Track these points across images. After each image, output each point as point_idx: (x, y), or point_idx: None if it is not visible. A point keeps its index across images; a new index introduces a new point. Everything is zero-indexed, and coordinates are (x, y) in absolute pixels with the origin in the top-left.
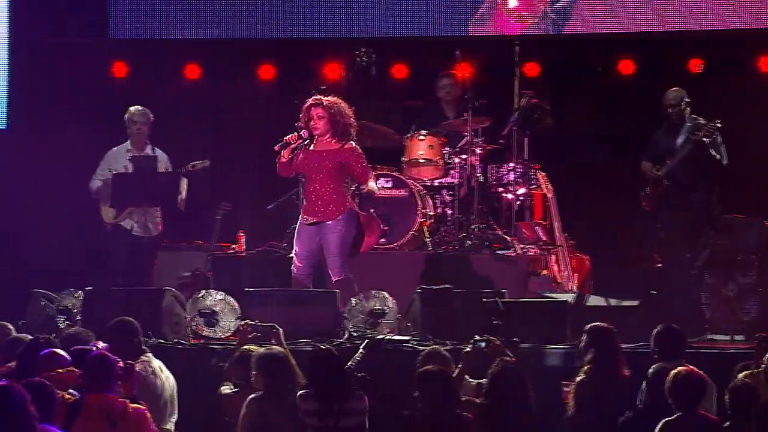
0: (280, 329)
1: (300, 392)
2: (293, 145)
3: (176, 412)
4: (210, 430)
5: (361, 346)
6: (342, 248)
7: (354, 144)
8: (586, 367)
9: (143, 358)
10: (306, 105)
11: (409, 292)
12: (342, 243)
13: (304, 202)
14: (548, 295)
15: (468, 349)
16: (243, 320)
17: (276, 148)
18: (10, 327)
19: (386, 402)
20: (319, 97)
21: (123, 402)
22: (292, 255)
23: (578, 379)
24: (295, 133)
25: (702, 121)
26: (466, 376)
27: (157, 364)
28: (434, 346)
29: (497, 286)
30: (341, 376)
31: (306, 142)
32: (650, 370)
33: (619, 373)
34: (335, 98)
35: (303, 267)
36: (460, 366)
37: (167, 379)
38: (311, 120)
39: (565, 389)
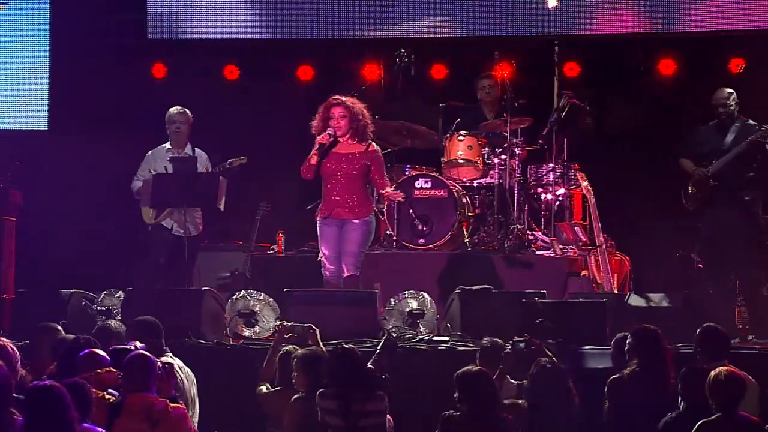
0: (317, 330)
1: (320, 391)
2: (326, 146)
3: (197, 412)
4: (249, 429)
5: (379, 345)
6: (362, 247)
7: (376, 146)
8: (629, 369)
9: (164, 358)
10: (325, 104)
11: (448, 292)
12: (363, 242)
13: (325, 202)
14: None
15: (508, 350)
16: (280, 321)
17: (315, 151)
18: (59, 328)
19: (422, 402)
20: (338, 96)
21: (164, 402)
22: (320, 258)
23: (617, 378)
24: (326, 133)
25: (751, 122)
26: (507, 376)
27: (177, 363)
28: (494, 339)
29: (537, 286)
30: (362, 375)
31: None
32: (682, 372)
33: (667, 375)
34: (354, 98)
35: (335, 269)
36: (500, 367)
37: (187, 379)
38: (332, 119)
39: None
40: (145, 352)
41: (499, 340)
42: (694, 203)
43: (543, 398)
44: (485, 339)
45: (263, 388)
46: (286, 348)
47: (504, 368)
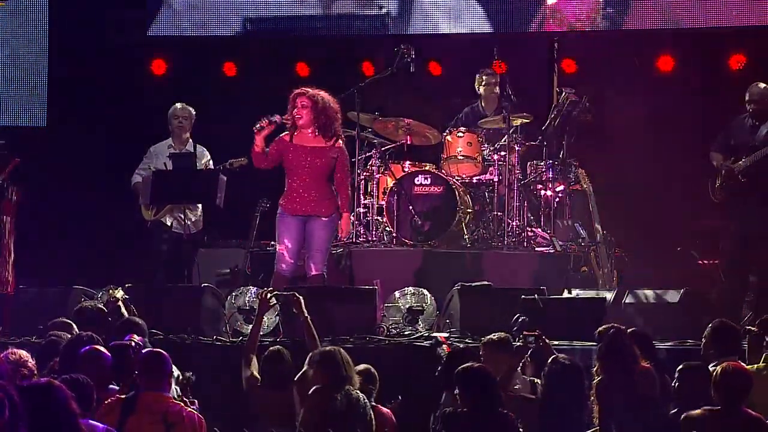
0: (301, 298)
1: (447, 411)
2: (266, 131)
3: None
4: (247, 426)
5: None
6: (329, 245)
7: (342, 144)
8: (597, 373)
9: None
10: (293, 94)
11: (448, 289)
12: (330, 239)
13: (289, 195)
14: (587, 293)
15: (519, 344)
16: (264, 290)
17: (255, 129)
18: (75, 327)
19: (422, 399)
20: (307, 88)
21: (179, 404)
22: (280, 251)
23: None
24: (266, 119)
25: None
26: (518, 371)
27: None
28: (498, 334)
29: (536, 283)
30: (495, 395)
31: (283, 126)
32: (679, 369)
33: (632, 369)
34: (325, 92)
35: (293, 263)
36: (511, 360)
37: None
38: (295, 108)
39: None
40: (161, 351)
41: (505, 335)
42: (721, 197)
43: (559, 395)
44: (493, 335)
45: (255, 373)
46: (275, 348)
47: (514, 362)
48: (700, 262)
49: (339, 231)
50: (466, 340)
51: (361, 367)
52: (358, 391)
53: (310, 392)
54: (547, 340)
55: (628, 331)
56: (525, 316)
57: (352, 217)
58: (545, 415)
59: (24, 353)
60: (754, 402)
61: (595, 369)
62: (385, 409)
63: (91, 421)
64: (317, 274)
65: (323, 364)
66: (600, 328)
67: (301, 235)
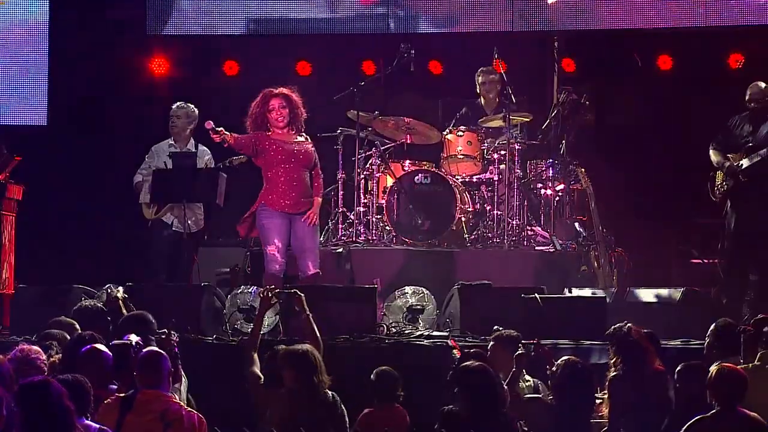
0: (303, 295)
1: (446, 409)
2: (218, 138)
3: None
4: (247, 425)
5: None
6: (317, 241)
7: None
8: (612, 369)
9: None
10: (263, 97)
11: (448, 288)
12: (317, 236)
13: (275, 192)
14: (587, 292)
15: (520, 352)
16: (264, 288)
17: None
18: (77, 325)
19: (421, 398)
20: (273, 89)
21: (178, 404)
22: (272, 252)
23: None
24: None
25: None
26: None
27: None
28: (508, 331)
29: (536, 282)
30: (494, 394)
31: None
32: (679, 369)
33: (645, 368)
34: (292, 89)
35: (284, 262)
36: (513, 369)
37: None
38: (271, 111)
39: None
40: (158, 350)
41: (513, 332)
42: (721, 196)
43: (572, 397)
44: (504, 331)
45: (257, 371)
46: (278, 347)
47: (517, 371)
48: (700, 261)
49: (309, 211)
50: (467, 339)
51: (384, 369)
52: (327, 390)
53: (278, 396)
54: (546, 348)
55: (643, 331)
56: (501, 327)
57: (352, 216)
58: (558, 416)
59: (35, 349)
60: (750, 401)
61: (613, 361)
62: (402, 410)
63: (86, 421)
64: (315, 272)
65: (293, 365)
66: (615, 326)
67: (288, 233)
